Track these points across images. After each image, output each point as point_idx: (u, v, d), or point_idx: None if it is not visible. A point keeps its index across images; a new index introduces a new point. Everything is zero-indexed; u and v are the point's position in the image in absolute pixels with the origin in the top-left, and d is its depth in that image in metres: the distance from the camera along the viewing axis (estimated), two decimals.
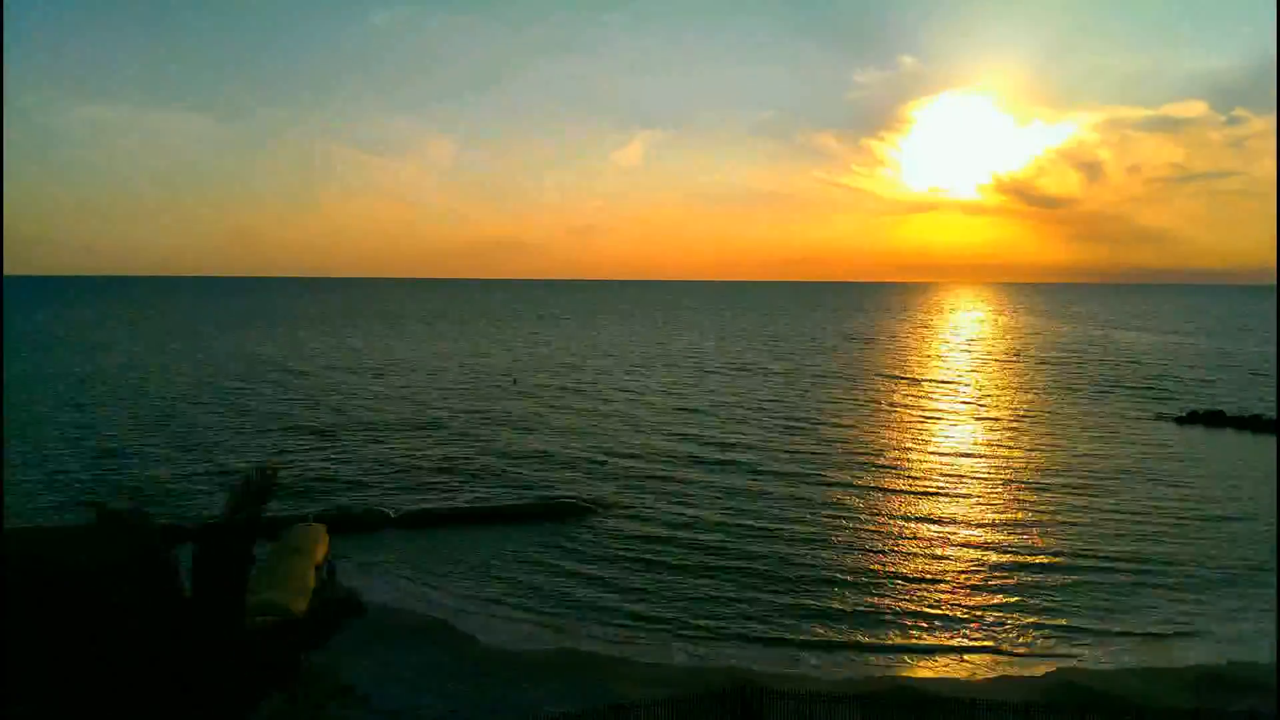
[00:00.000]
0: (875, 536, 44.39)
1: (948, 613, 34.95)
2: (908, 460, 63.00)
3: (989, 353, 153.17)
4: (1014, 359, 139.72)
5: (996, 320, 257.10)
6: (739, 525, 45.74)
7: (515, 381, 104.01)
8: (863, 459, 62.69)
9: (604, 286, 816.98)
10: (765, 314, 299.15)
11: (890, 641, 32.20)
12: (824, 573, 38.97)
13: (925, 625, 33.72)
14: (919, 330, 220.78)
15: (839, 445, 67.58)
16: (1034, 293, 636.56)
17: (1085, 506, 49.96)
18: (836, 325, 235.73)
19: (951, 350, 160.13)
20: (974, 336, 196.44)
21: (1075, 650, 31.52)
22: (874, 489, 54.08)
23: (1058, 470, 59.64)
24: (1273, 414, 77.58)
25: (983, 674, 29.59)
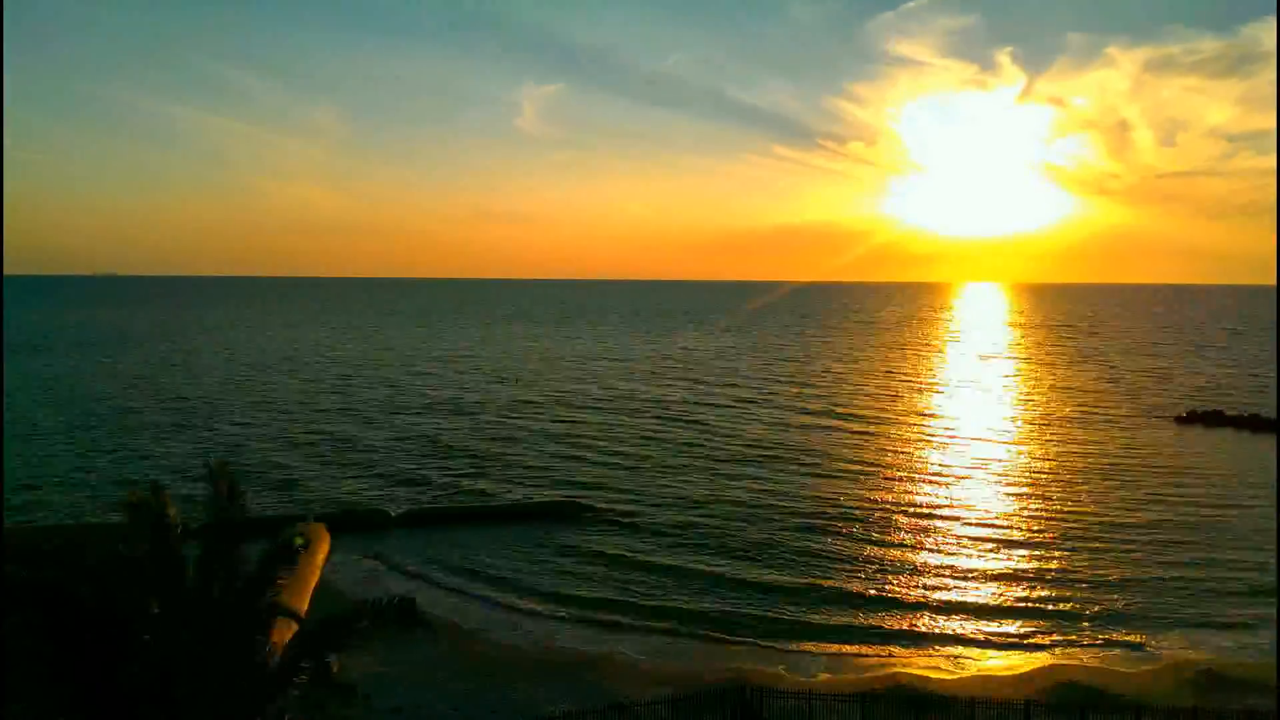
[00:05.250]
0: (875, 537, 44.36)
1: (948, 612, 34.93)
2: (908, 461, 63.01)
3: (987, 351, 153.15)
4: (1016, 361, 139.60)
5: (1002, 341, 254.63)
6: (737, 525, 45.73)
7: (516, 382, 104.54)
8: (861, 460, 62.75)
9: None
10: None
11: (890, 641, 32.17)
12: (823, 572, 38.96)
13: (925, 624, 33.70)
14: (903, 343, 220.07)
15: (838, 446, 67.56)
16: (1054, 300, 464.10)
17: (1085, 505, 49.95)
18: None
19: (950, 350, 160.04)
20: (972, 339, 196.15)
21: (1075, 649, 31.52)
22: (873, 490, 54.05)
23: (1057, 469, 59.70)
24: (1272, 414, 77.56)
25: (983, 673, 29.57)
